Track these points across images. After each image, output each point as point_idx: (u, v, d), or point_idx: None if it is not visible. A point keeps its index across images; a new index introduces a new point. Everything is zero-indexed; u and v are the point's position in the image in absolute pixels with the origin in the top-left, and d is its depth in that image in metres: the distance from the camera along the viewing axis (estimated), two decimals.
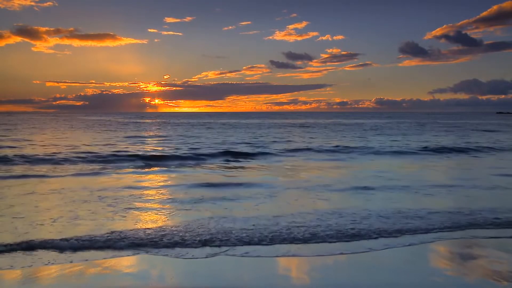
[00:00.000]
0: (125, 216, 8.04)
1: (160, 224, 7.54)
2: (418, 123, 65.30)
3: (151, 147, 22.88)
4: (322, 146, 23.57)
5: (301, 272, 5.56)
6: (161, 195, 10.30)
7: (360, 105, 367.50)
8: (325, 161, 17.67)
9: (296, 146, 23.93)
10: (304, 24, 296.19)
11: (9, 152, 18.58)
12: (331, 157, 19.21)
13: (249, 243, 6.48)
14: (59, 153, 18.78)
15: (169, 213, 8.38)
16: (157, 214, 8.32)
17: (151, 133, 38.48)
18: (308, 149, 22.00)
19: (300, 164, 16.69)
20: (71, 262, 5.70)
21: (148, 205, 9.12)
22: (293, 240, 6.63)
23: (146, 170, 14.81)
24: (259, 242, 6.51)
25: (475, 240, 6.88)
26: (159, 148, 22.23)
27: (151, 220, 7.85)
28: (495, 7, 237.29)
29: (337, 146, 23.32)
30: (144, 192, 10.69)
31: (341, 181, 12.41)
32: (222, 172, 14.48)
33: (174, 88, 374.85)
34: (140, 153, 19.18)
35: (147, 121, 78.76)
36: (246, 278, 5.36)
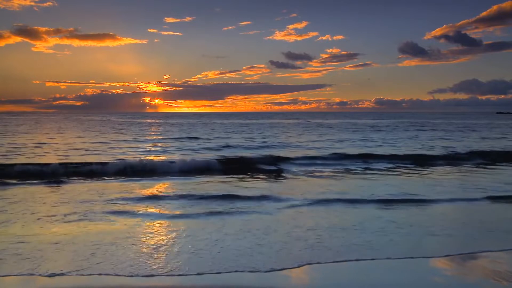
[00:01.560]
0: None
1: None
2: (432, 124, 64.72)
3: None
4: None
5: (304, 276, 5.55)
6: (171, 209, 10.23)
7: (360, 105, 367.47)
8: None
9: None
10: (304, 24, 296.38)
11: None
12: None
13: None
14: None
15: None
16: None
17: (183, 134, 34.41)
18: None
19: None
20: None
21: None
22: None
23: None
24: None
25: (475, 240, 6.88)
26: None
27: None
28: (495, 7, 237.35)
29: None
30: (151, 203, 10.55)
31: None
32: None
33: (174, 88, 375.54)
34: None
35: (155, 121, 76.91)
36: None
